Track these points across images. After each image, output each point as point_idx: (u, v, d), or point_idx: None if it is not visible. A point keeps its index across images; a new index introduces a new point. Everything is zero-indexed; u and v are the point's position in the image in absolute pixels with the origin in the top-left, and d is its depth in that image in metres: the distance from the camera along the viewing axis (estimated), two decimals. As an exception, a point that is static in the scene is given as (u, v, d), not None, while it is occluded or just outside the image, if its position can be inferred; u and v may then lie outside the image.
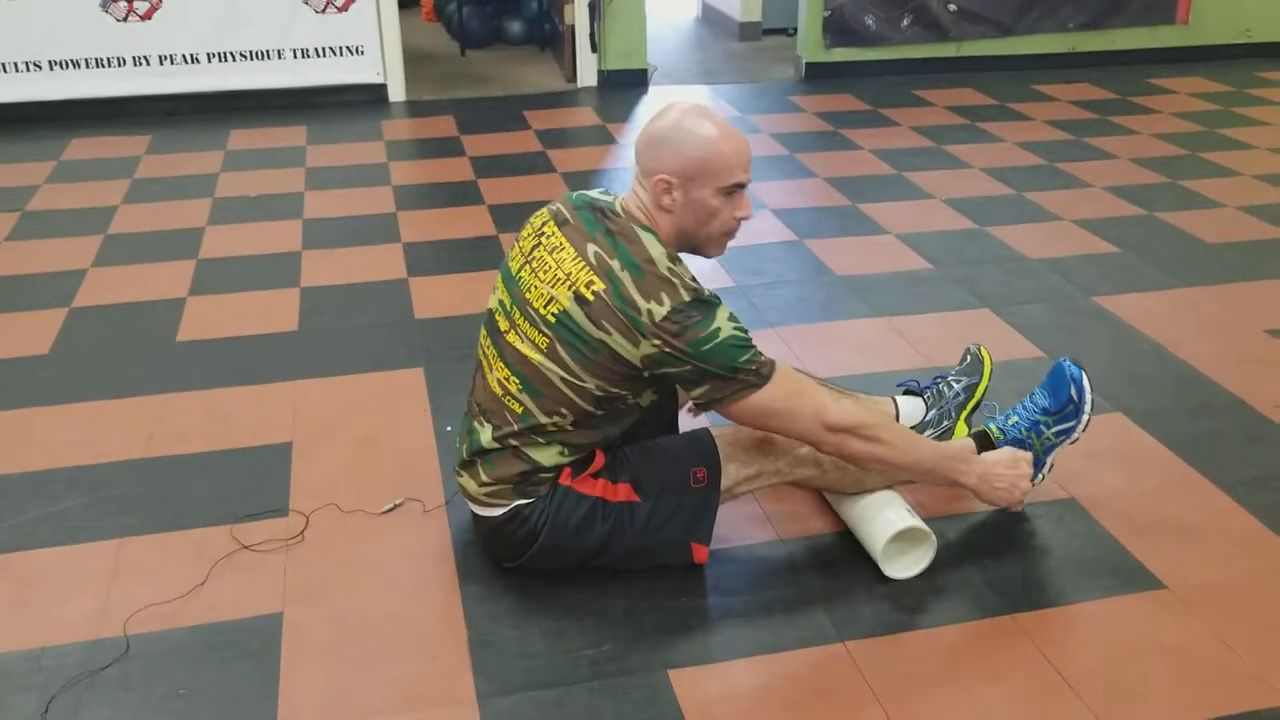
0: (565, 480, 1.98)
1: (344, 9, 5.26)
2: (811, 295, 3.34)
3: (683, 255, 1.95)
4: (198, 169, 4.51)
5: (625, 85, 5.81)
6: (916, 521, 2.07)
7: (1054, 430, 2.18)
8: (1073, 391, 2.17)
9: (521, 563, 2.03)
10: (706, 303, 1.85)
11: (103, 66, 5.08)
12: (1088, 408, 2.17)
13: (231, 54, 5.21)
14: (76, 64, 5.05)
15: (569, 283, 1.87)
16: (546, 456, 1.96)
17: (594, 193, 2.00)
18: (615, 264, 1.84)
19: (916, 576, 2.08)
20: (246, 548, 2.15)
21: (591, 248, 1.87)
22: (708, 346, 1.82)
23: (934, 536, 2.08)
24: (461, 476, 2.05)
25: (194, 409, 2.68)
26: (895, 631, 1.95)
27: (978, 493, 2.09)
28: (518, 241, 2.04)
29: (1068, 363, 2.20)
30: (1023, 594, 2.05)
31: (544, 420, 1.93)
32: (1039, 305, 3.26)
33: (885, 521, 2.06)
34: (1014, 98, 5.65)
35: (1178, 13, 6.42)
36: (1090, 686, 1.82)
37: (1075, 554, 2.16)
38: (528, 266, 1.96)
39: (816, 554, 2.16)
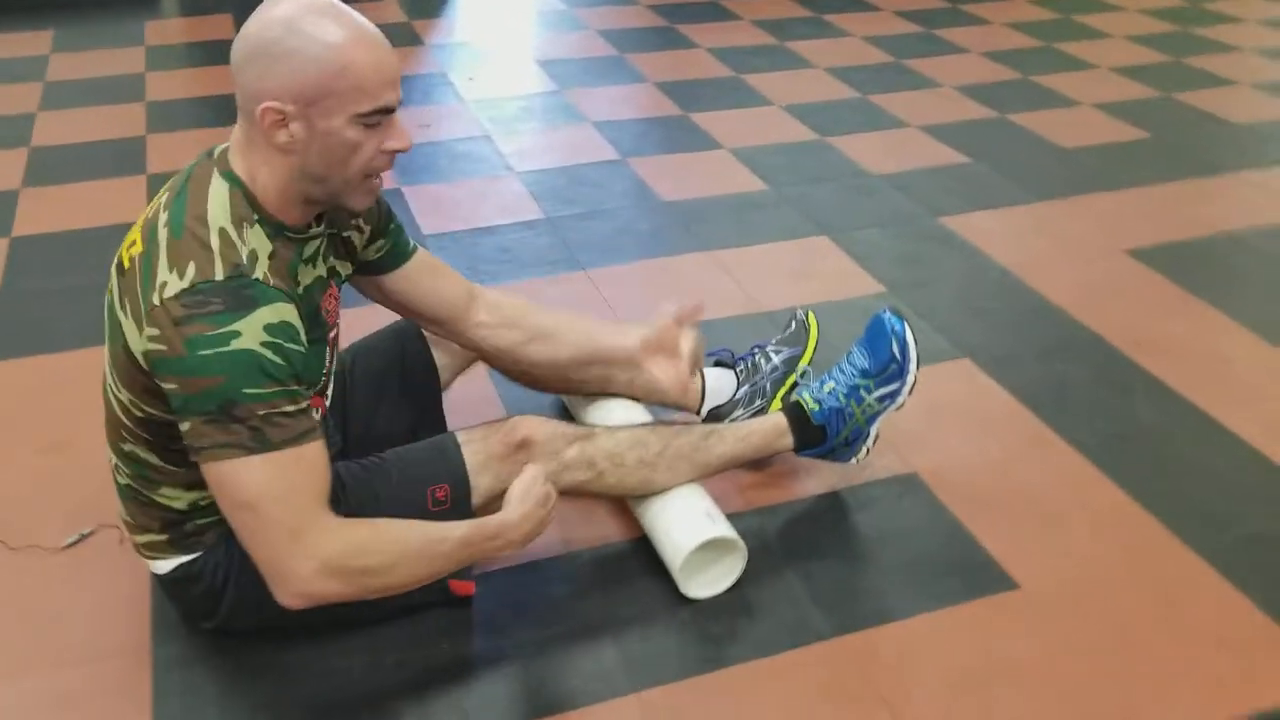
0: None
1: (97, -110, 4.52)
2: (631, 226, 2.91)
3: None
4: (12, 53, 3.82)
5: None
6: (719, 530, 1.70)
7: (876, 395, 1.83)
8: (894, 348, 1.81)
9: (218, 624, 1.60)
10: (245, 294, 1.29)
11: None
12: (912, 366, 1.82)
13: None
14: None
15: (123, 248, 1.41)
16: (169, 498, 1.50)
17: None
18: (161, 218, 1.35)
19: (725, 592, 1.73)
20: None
21: (160, 198, 1.40)
22: (206, 352, 1.26)
23: (743, 545, 1.72)
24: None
25: None
26: (699, 672, 1.59)
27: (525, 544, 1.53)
28: None
29: (888, 314, 1.84)
30: (851, 607, 1.71)
31: (121, 449, 1.49)
32: (881, 230, 2.91)
33: (680, 534, 1.69)
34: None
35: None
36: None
37: (915, 548, 1.83)
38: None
39: (609, 569, 1.78)
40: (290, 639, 1.62)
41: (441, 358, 1.91)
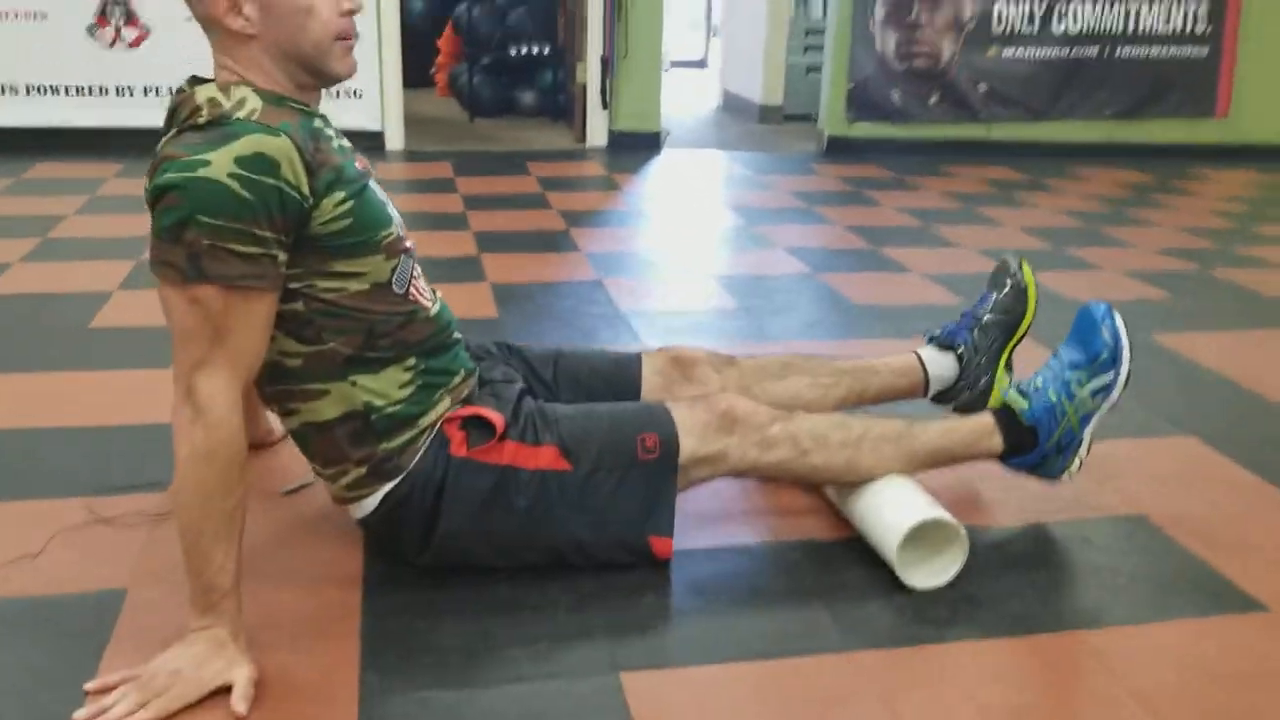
0: (459, 451, 1.53)
1: (343, 49, 5.02)
2: (827, 319, 2.93)
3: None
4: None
5: (637, 147, 5.53)
6: (940, 513, 1.61)
7: (1089, 389, 1.73)
8: (1105, 334, 1.73)
9: (430, 553, 1.57)
10: (223, 129, 1.32)
11: (83, 94, 4.83)
12: (1126, 355, 1.72)
13: (222, 90, 4.95)
14: (56, 90, 4.79)
15: None
16: (343, 399, 1.48)
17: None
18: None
19: (945, 586, 1.62)
20: (103, 521, 1.72)
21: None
22: (174, 175, 1.28)
23: (964, 533, 1.62)
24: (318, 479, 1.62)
25: (97, 387, 2.28)
26: (921, 643, 1.48)
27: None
28: None
29: (1094, 304, 1.77)
30: (1088, 610, 1.59)
31: (275, 385, 1.50)
32: (1086, 335, 2.84)
33: (900, 514, 1.61)
34: (1049, 175, 5.31)
35: (1218, 105, 6.13)
36: (1185, 716, 1.35)
37: (1151, 572, 1.69)
38: None
39: (819, 555, 1.70)
40: (497, 578, 1.59)
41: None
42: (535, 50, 6.42)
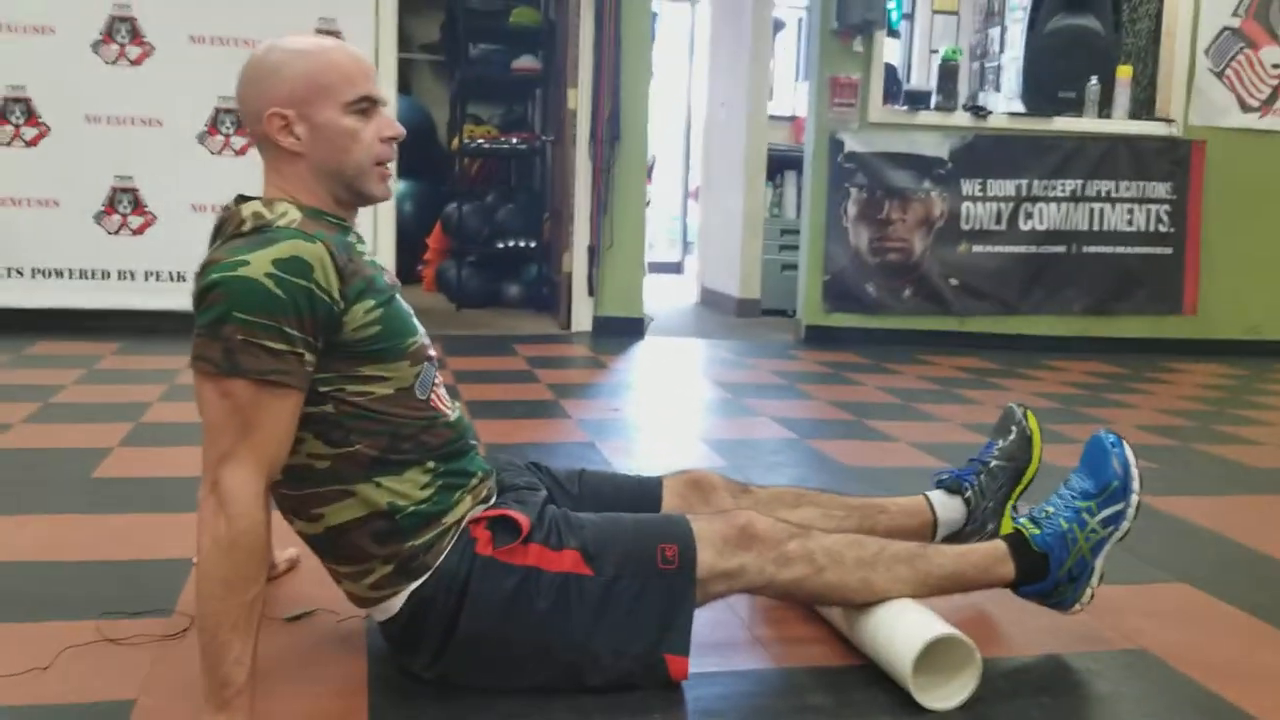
0: (484, 550, 1.56)
1: (341, 237, 5.21)
2: (816, 478, 2.98)
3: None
4: (160, 365, 4.25)
5: (620, 333, 5.68)
6: (954, 630, 1.63)
7: (1100, 518, 1.77)
8: (1115, 464, 1.79)
9: (446, 660, 1.57)
10: (265, 235, 1.43)
11: (85, 278, 4.95)
12: (1135, 485, 1.78)
13: (221, 275, 5.09)
14: (59, 273, 4.92)
15: None
16: (366, 503, 1.53)
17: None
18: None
19: (957, 708, 1.62)
20: (112, 640, 1.71)
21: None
22: (216, 275, 1.38)
23: (979, 655, 1.63)
24: (340, 585, 1.64)
25: (102, 528, 2.29)
26: (935, 760, 1.48)
27: None
28: None
29: (1104, 433, 1.84)
30: (1099, 729, 1.59)
31: (300, 490, 1.53)
32: (1073, 494, 2.89)
33: (914, 631, 1.62)
34: (1023, 365, 5.46)
35: (1184, 303, 6.33)
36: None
37: (1159, 699, 1.71)
38: None
39: (828, 678, 1.70)
40: (502, 695, 1.58)
41: None
42: (522, 244, 6.66)
